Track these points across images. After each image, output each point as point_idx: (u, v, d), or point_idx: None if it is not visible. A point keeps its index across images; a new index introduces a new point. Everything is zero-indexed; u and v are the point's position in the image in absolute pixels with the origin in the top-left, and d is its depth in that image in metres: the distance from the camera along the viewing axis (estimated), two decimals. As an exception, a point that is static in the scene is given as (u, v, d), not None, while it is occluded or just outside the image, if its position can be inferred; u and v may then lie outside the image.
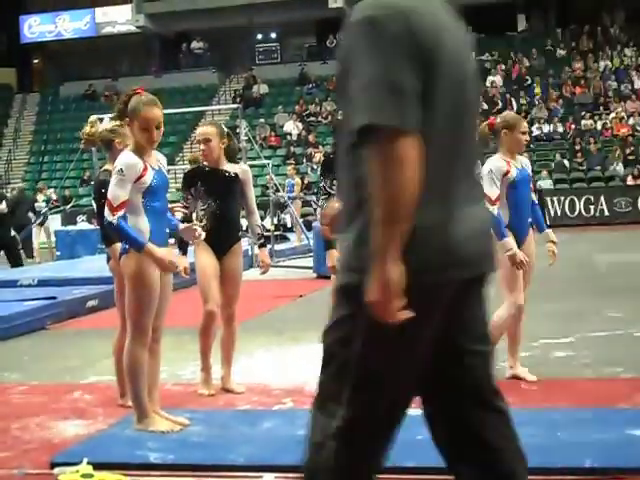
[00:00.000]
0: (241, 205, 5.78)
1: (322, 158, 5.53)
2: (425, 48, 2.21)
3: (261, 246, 5.94)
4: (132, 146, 4.64)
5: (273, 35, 36.90)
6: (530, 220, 5.78)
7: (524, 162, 5.76)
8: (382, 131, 2.12)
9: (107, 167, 5.45)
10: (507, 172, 5.55)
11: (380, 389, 2.40)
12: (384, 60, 2.16)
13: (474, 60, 2.58)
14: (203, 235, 5.18)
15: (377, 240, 2.16)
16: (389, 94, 2.14)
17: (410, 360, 2.39)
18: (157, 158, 4.74)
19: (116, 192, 4.51)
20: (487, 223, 2.53)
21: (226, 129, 5.80)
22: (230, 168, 5.69)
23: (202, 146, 5.62)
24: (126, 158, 4.57)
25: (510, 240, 5.50)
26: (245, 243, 8.51)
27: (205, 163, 5.67)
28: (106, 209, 4.53)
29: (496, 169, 5.55)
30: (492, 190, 5.43)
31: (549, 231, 5.82)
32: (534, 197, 5.87)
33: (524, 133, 5.73)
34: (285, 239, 20.02)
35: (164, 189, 4.76)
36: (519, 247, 5.55)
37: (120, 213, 4.48)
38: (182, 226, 5.09)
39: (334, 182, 5.39)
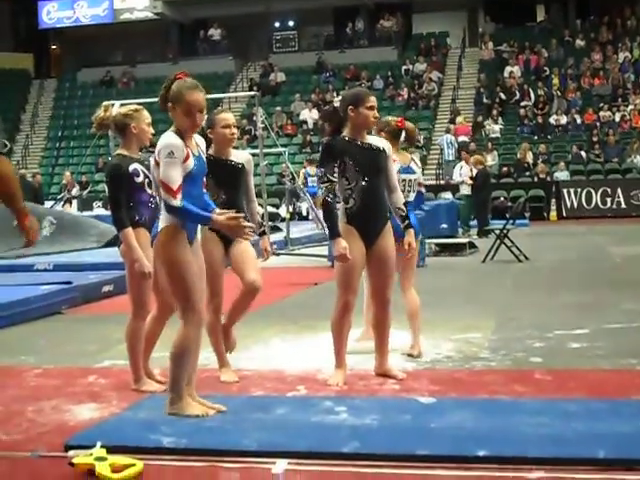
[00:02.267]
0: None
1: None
2: None
3: (261, 234, 5.87)
4: (174, 129, 4.54)
5: (291, 23, 36.83)
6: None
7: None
8: None
9: (120, 151, 5.46)
10: None
11: None
12: None
13: None
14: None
15: None
16: None
17: None
18: (196, 142, 4.66)
19: (173, 174, 4.41)
20: None
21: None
22: (235, 157, 5.66)
23: (233, 130, 5.58)
24: (173, 139, 4.47)
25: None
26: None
27: (211, 153, 5.57)
28: (164, 194, 4.43)
29: None
30: None
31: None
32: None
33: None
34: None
35: (202, 175, 4.67)
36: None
37: (180, 195, 4.41)
38: (223, 216, 4.63)
39: (335, 169, 5.34)
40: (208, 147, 5.55)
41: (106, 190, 5.61)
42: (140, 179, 5.34)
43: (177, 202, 4.42)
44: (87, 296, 9.78)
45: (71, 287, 9.65)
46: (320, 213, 7.40)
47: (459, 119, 28.34)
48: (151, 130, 5.49)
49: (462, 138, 27.29)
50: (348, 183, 5.36)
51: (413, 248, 5.59)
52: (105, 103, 5.59)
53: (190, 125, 4.53)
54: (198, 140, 4.72)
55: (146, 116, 5.45)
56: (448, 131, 27.57)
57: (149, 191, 5.36)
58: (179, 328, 4.61)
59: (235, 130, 5.61)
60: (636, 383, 5.30)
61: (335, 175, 5.33)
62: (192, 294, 4.56)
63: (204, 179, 4.75)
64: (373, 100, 5.44)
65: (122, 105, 5.58)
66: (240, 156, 5.72)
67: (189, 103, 4.49)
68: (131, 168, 5.32)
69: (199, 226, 4.94)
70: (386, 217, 5.49)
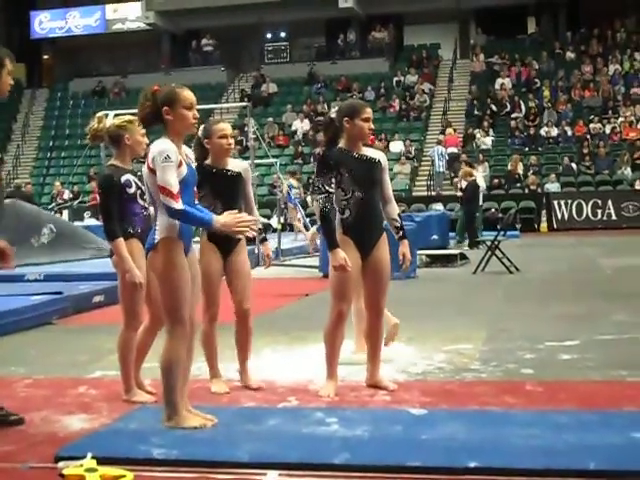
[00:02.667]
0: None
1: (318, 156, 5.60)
2: None
3: (262, 241, 5.94)
4: (166, 137, 4.54)
5: (282, 34, 36.91)
6: None
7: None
8: None
9: (113, 162, 5.46)
10: None
11: None
12: None
13: None
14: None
15: None
16: None
17: None
18: (185, 153, 4.67)
19: (170, 179, 4.41)
20: None
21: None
22: (232, 166, 5.67)
23: (230, 140, 5.59)
24: (167, 145, 4.48)
25: None
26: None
27: (208, 163, 5.60)
28: (165, 198, 4.41)
29: None
30: None
31: None
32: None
33: None
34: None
35: (193, 184, 4.66)
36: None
37: (181, 199, 4.41)
38: (222, 217, 4.58)
39: (332, 180, 5.36)
40: (205, 157, 5.58)
41: (98, 200, 5.59)
42: (132, 190, 5.34)
43: (179, 205, 4.42)
44: (78, 306, 9.76)
45: (62, 297, 9.62)
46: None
47: (449, 130, 28.46)
48: (145, 140, 5.48)
49: (451, 149, 27.43)
50: (344, 194, 5.37)
51: (408, 259, 5.60)
52: (99, 114, 5.58)
53: (188, 123, 4.55)
54: (187, 151, 4.73)
55: (140, 127, 5.45)
56: (439, 143, 27.66)
57: (141, 202, 5.36)
58: (165, 341, 4.61)
59: (232, 140, 5.63)
60: (627, 394, 5.31)
61: (332, 186, 5.35)
62: (181, 307, 4.55)
63: (195, 190, 4.75)
64: (369, 112, 5.46)
65: (116, 116, 5.58)
66: (237, 165, 5.72)
67: (185, 98, 4.54)
68: (123, 179, 5.32)
69: (194, 236, 4.94)
70: (381, 228, 5.50)
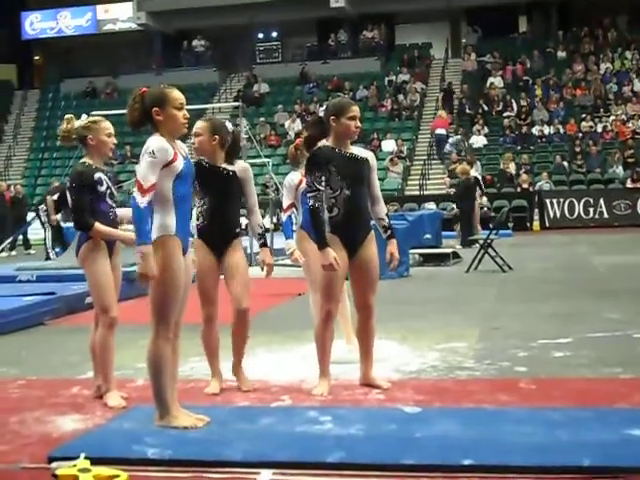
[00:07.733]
0: (240, 203, 5.75)
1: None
2: None
3: (262, 245, 5.78)
4: (159, 134, 4.56)
5: (274, 34, 36.90)
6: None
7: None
8: None
9: (85, 160, 5.52)
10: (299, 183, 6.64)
11: None
12: None
13: None
14: None
15: None
16: None
17: None
18: (181, 146, 4.70)
19: (147, 174, 4.44)
20: None
21: (231, 126, 5.71)
22: (228, 166, 5.65)
23: (193, 139, 5.62)
24: (158, 141, 4.50)
25: None
26: (245, 241, 8.43)
27: (202, 158, 5.62)
28: (135, 189, 4.45)
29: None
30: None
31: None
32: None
33: None
34: None
35: (192, 177, 4.72)
36: None
37: (148, 197, 4.42)
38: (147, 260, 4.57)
39: (322, 178, 5.35)
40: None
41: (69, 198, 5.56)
42: (102, 189, 5.42)
43: (142, 202, 4.43)
44: (70, 307, 9.73)
45: (54, 298, 9.60)
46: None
47: (440, 112, 28.79)
48: (113, 140, 5.54)
49: (439, 131, 27.72)
50: (332, 192, 5.37)
51: (396, 258, 5.59)
52: (67, 116, 5.61)
53: (178, 123, 4.59)
54: (182, 145, 4.74)
55: (105, 127, 5.49)
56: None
57: (109, 201, 5.46)
58: (149, 341, 4.60)
59: (193, 140, 5.62)
60: (620, 391, 5.31)
61: (322, 184, 5.34)
62: (168, 308, 4.54)
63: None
64: (355, 110, 5.43)
65: (89, 116, 5.63)
66: (234, 165, 5.68)
67: (175, 98, 4.58)
68: (96, 176, 5.39)
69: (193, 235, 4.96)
70: (369, 226, 5.50)
